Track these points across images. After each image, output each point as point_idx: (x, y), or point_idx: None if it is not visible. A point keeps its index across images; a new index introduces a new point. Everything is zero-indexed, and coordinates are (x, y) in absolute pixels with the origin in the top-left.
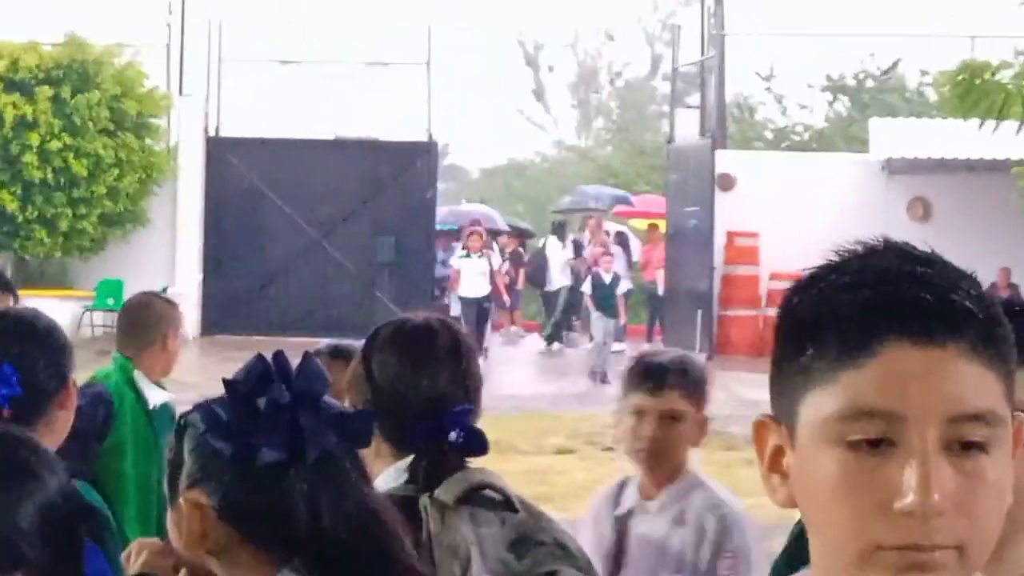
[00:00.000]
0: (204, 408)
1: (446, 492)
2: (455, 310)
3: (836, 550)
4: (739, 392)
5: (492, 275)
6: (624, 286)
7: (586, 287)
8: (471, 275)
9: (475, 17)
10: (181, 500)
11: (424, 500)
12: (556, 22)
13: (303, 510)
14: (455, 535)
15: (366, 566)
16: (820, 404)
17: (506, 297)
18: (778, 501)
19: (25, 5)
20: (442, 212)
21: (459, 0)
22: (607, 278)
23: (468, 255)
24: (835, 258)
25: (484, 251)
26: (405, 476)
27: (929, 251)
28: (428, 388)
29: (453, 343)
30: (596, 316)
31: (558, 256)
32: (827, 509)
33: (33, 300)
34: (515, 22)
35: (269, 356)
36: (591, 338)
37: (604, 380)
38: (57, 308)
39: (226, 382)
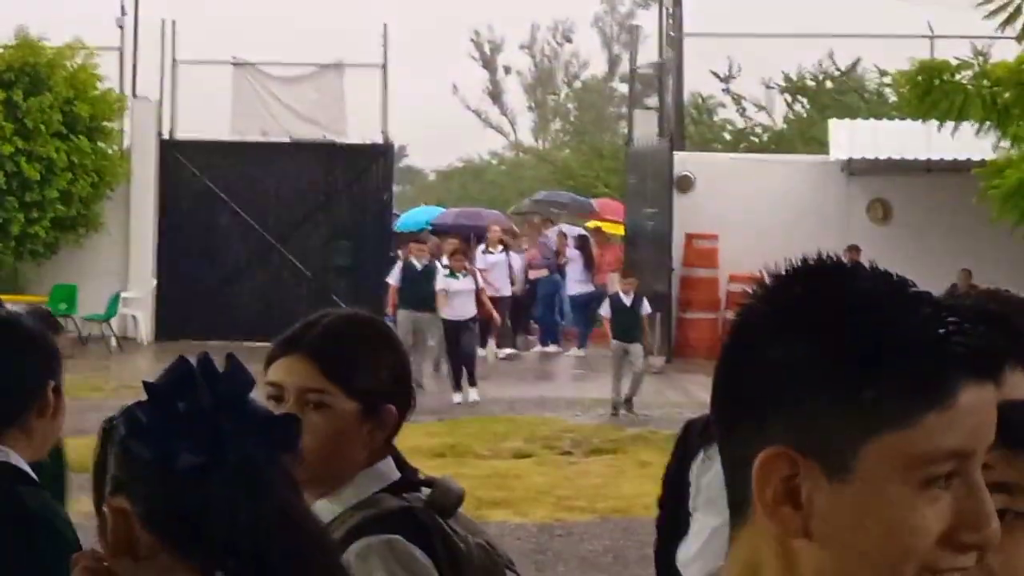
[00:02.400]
0: (126, 411)
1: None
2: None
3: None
4: (697, 395)
5: (479, 294)
6: (582, 290)
7: (604, 310)
8: (457, 295)
9: (430, 18)
10: (105, 507)
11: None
12: (512, 23)
13: (223, 517)
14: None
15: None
16: (897, 445)
17: (496, 315)
18: (789, 532)
19: None
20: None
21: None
22: (627, 300)
23: (453, 274)
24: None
25: (467, 269)
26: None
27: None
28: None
29: (382, 336)
30: (616, 345)
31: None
32: (891, 541)
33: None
34: (471, 23)
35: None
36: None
37: (629, 409)
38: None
39: (146, 384)
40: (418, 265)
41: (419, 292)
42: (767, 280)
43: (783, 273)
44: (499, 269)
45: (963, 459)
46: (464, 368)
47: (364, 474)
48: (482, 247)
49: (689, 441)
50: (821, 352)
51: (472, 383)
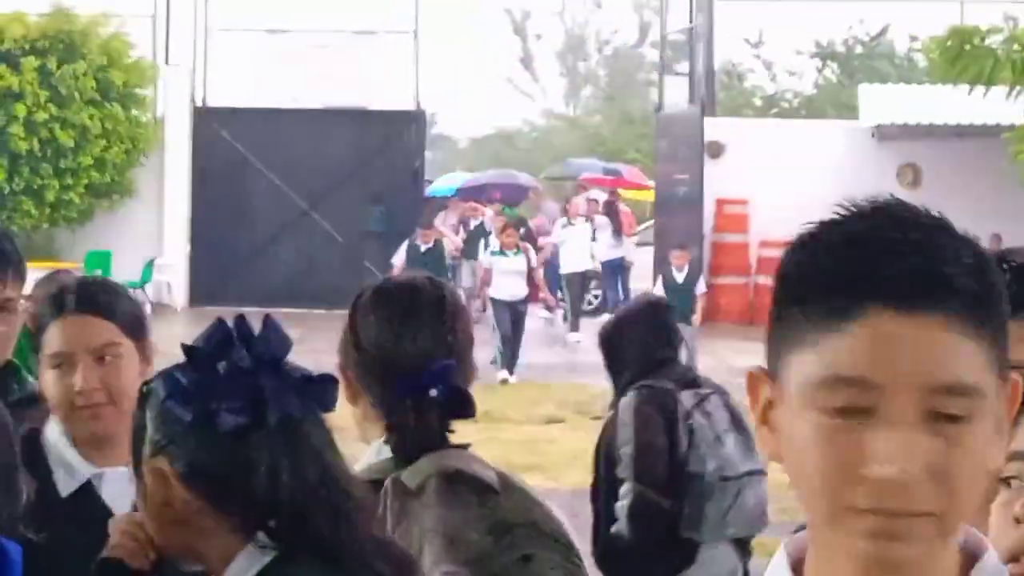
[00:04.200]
0: (165, 374)
1: (411, 476)
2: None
3: (812, 508)
4: (729, 360)
5: (530, 274)
6: (613, 255)
7: (657, 288)
8: (506, 275)
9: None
10: (144, 469)
11: (387, 484)
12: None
13: (264, 477)
14: (412, 524)
15: (327, 534)
16: (802, 366)
17: (549, 298)
18: (768, 454)
19: None
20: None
21: None
22: (680, 276)
23: (503, 252)
24: (834, 218)
25: (520, 247)
26: (387, 450)
27: (929, 214)
28: (410, 347)
29: (437, 300)
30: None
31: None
32: (804, 467)
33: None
34: None
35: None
36: None
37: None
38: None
39: (185, 347)
40: (422, 247)
41: None
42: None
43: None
44: (581, 241)
45: (872, 391)
46: (510, 351)
47: None
48: (563, 220)
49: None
50: (784, 277)
51: (511, 369)
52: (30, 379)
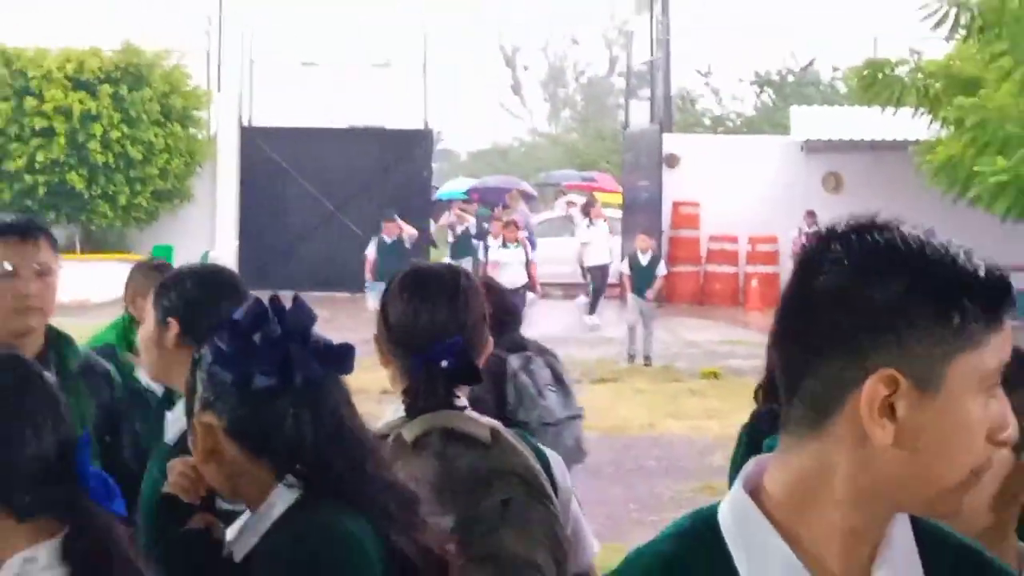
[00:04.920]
0: (211, 343)
1: (409, 431)
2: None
3: (947, 477)
4: (683, 334)
5: (528, 265)
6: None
7: (624, 267)
8: (508, 266)
9: (463, 24)
10: (195, 422)
11: (391, 437)
12: (530, 29)
13: (291, 430)
14: (406, 473)
15: (345, 478)
16: (977, 361)
17: (539, 287)
18: (877, 439)
19: (88, 16)
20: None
21: (450, 9)
22: (644, 259)
23: (505, 245)
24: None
25: (519, 240)
26: (394, 412)
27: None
28: (427, 324)
29: (452, 285)
30: (631, 298)
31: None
32: (966, 442)
33: (98, 263)
34: (496, 29)
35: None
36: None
37: (648, 363)
38: (118, 270)
39: (228, 320)
40: (388, 240)
41: (387, 264)
42: (840, 238)
43: (852, 231)
44: (602, 239)
45: (1000, 370)
46: None
47: None
48: (586, 222)
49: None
50: (914, 290)
51: None
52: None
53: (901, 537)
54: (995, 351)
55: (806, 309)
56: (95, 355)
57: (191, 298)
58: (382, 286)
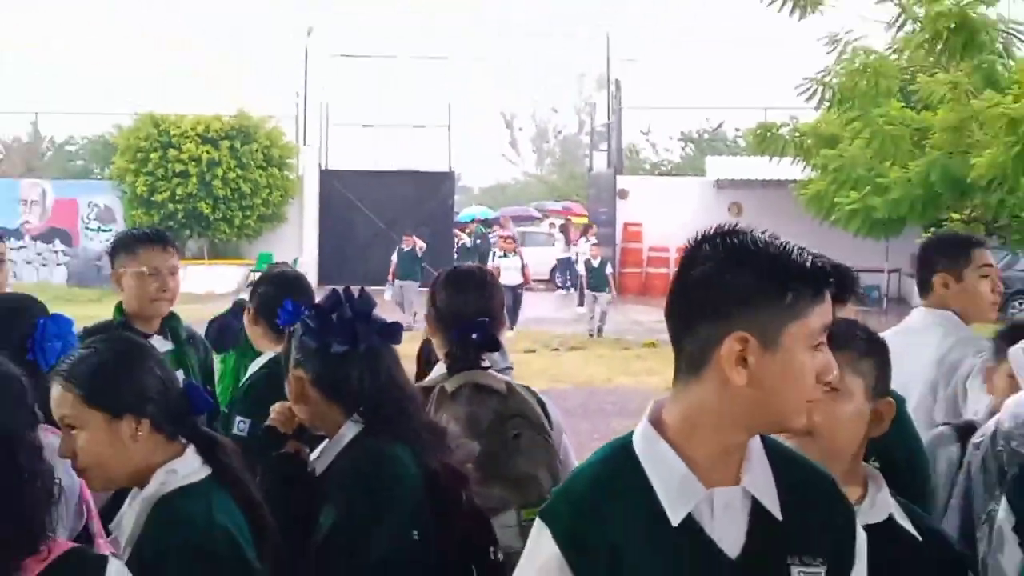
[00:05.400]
0: (302, 320)
1: (450, 385)
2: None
3: (787, 407)
4: (631, 316)
5: (523, 269)
6: (565, 255)
7: (581, 269)
8: (507, 270)
9: (477, 99)
10: (290, 375)
11: (435, 389)
12: (522, 102)
13: (355, 380)
14: (446, 413)
15: (393, 417)
16: (803, 325)
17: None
18: (740, 381)
19: (213, 90)
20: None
21: (470, 89)
22: (596, 263)
23: (505, 255)
24: (758, 241)
25: (516, 251)
26: (438, 370)
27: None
28: (462, 308)
29: (482, 280)
30: (588, 292)
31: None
32: (798, 383)
33: (219, 266)
34: (499, 102)
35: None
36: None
37: (598, 335)
38: (234, 271)
39: (314, 305)
40: (405, 249)
41: (405, 268)
42: (709, 240)
43: (718, 235)
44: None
45: (824, 332)
46: (510, 316)
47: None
48: (583, 238)
49: None
50: (762, 277)
51: (512, 325)
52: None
53: (757, 452)
54: (819, 317)
55: (685, 291)
56: (193, 328)
57: (263, 293)
58: (398, 284)
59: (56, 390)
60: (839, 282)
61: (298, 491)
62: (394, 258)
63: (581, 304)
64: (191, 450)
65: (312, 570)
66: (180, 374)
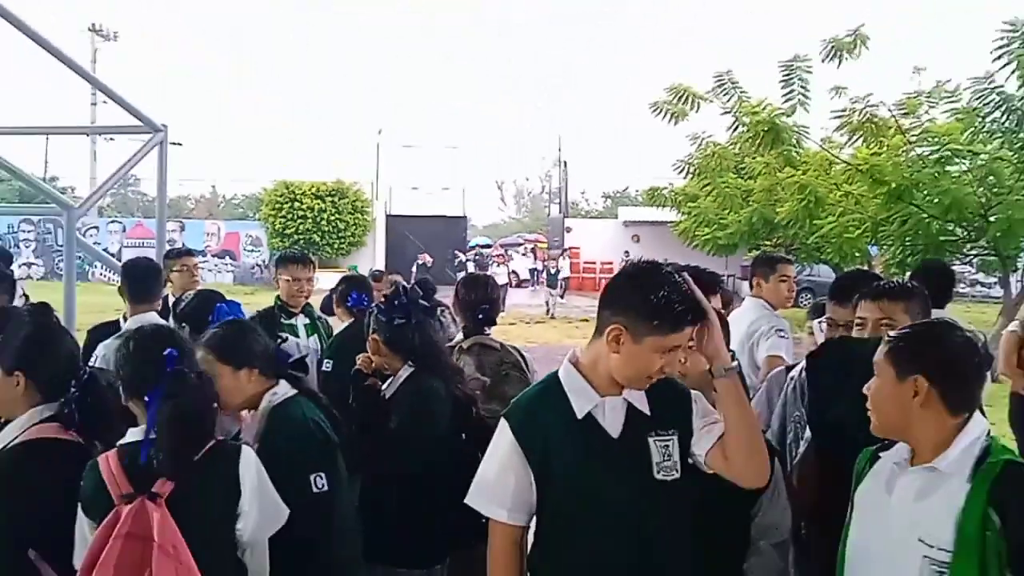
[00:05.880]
0: (376, 306)
1: (465, 343)
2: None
3: (634, 377)
4: (575, 303)
5: (509, 275)
6: (535, 267)
7: (545, 275)
8: (499, 275)
9: (481, 173)
10: (370, 337)
11: (456, 347)
12: (505, 174)
13: (410, 339)
14: (462, 362)
15: (432, 363)
16: (660, 340)
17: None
18: (612, 352)
19: (312, 168)
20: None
21: (475, 160)
22: (552, 269)
23: (498, 265)
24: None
25: (505, 263)
26: (460, 335)
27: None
28: (474, 298)
29: (485, 282)
30: (547, 289)
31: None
32: (643, 368)
33: (327, 273)
34: (494, 173)
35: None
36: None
37: (553, 316)
38: (334, 276)
39: (386, 296)
40: (419, 262)
41: (420, 272)
42: (636, 265)
43: (643, 264)
44: (567, 264)
45: (676, 349)
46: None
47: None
48: (562, 257)
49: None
50: (643, 300)
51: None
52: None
53: None
54: (673, 340)
55: (608, 289)
56: (319, 311)
57: (342, 289)
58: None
59: (199, 353)
60: (709, 281)
61: (376, 407)
62: (414, 267)
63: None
64: (282, 382)
65: (384, 455)
66: (315, 338)
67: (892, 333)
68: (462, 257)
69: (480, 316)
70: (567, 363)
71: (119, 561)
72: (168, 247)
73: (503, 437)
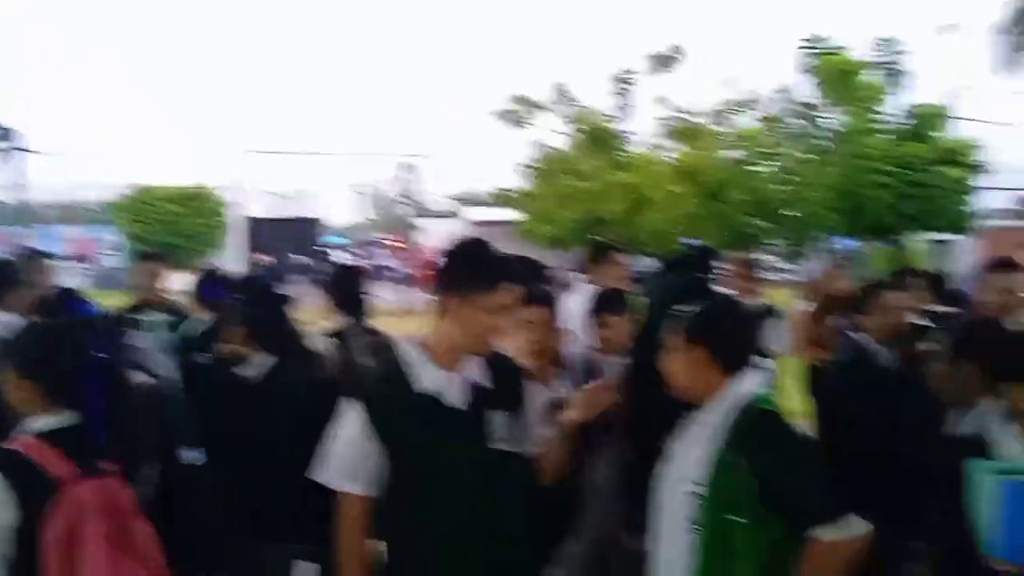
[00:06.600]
0: (235, 297)
1: (344, 329)
2: None
3: (474, 336)
4: (424, 299)
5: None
6: None
7: (398, 273)
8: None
9: (339, 177)
10: (229, 330)
11: (335, 332)
12: (361, 177)
13: (271, 329)
14: (336, 348)
15: (291, 349)
16: (489, 299)
17: None
18: (449, 321)
19: (171, 173)
20: None
21: (336, 165)
22: (403, 268)
23: (359, 261)
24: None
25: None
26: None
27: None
28: (350, 288)
29: (358, 271)
30: (399, 285)
31: None
32: (482, 325)
33: (186, 276)
34: (351, 176)
35: None
36: None
37: (406, 311)
38: (191, 280)
39: (243, 288)
40: (259, 261)
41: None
42: (448, 248)
43: (471, 242)
44: None
45: (506, 309)
46: None
47: None
48: None
49: None
50: (464, 264)
51: None
52: None
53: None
54: (500, 299)
55: (437, 272)
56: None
57: (197, 285)
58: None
59: None
60: (533, 267)
61: (240, 395)
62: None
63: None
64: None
65: (251, 439)
66: (172, 335)
67: (675, 308)
68: (330, 254)
69: (355, 304)
70: (412, 342)
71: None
72: (25, 251)
73: (351, 413)
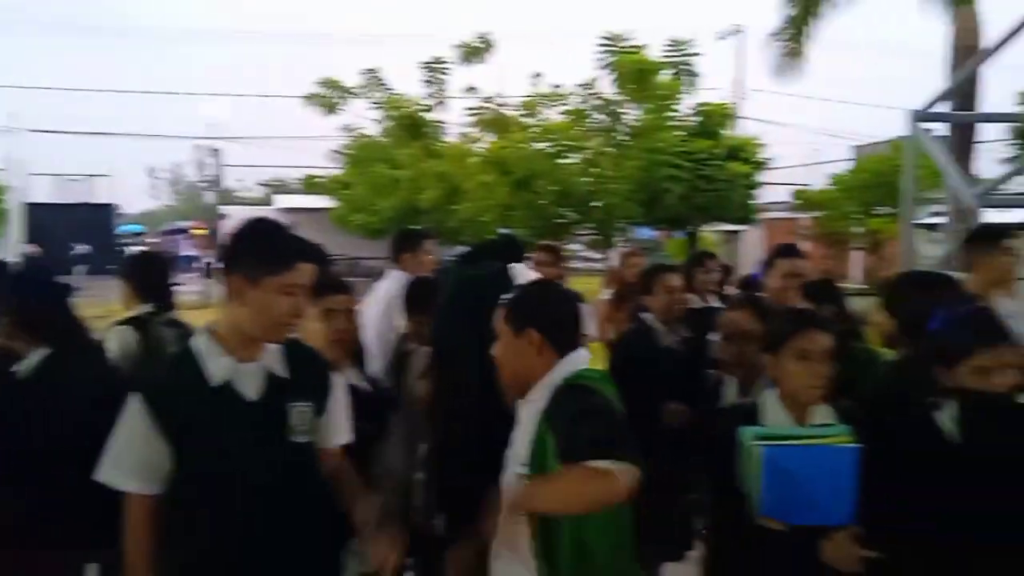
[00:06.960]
0: (9, 286)
1: (151, 318)
2: None
3: (267, 319)
4: None
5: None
6: None
7: (203, 262)
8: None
9: (132, 159)
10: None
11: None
12: (157, 160)
13: (46, 319)
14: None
15: (71, 342)
16: (278, 280)
17: None
18: (239, 305)
19: None
20: None
21: (128, 147)
22: (208, 258)
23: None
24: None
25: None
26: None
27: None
28: (153, 278)
29: (163, 259)
30: (204, 276)
31: None
32: (274, 308)
33: None
34: (146, 159)
35: None
36: None
37: (211, 302)
38: None
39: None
40: (27, 251)
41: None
42: (232, 232)
43: (237, 225)
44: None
45: (296, 289)
46: None
47: None
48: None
49: None
50: (252, 246)
51: None
52: None
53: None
54: (290, 279)
55: (222, 256)
56: None
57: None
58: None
59: None
60: (321, 258)
61: (11, 390)
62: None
63: None
64: None
65: (29, 435)
66: None
67: (504, 297)
68: (124, 242)
69: (157, 293)
70: (202, 331)
71: None
72: None
73: (132, 409)
